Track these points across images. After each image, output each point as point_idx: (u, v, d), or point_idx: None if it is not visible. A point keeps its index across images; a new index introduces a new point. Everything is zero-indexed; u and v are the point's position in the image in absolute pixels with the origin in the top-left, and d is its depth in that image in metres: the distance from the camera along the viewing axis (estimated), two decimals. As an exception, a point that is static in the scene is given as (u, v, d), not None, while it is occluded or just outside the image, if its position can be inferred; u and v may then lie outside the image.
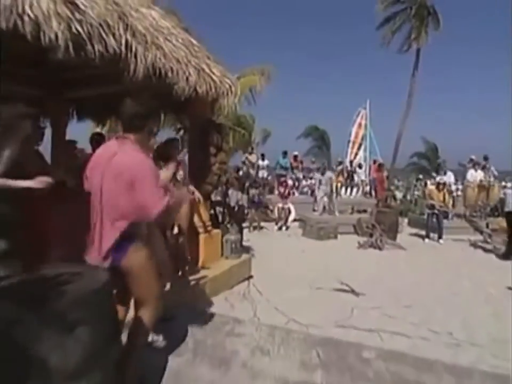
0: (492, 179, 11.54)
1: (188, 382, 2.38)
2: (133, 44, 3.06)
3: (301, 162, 16.50)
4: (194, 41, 4.52)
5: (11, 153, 2.60)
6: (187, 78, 3.62)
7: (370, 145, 20.28)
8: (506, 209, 7.71)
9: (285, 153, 14.89)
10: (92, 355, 1.56)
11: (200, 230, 4.64)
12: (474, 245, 9.01)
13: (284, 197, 11.32)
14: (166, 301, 3.14)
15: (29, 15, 2.13)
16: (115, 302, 1.95)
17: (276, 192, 13.03)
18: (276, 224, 10.90)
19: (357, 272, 6.07)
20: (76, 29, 2.44)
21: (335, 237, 9.49)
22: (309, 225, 9.90)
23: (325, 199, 11.53)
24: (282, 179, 12.73)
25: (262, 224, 10.64)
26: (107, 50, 2.75)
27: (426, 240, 9.54)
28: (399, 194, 16.58)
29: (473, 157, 12.88)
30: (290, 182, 14.06)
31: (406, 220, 12.21)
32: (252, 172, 13.19)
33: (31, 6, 2.16)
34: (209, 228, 4.80)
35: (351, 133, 19.90)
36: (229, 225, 5.61)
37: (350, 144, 19.80)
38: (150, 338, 2.73)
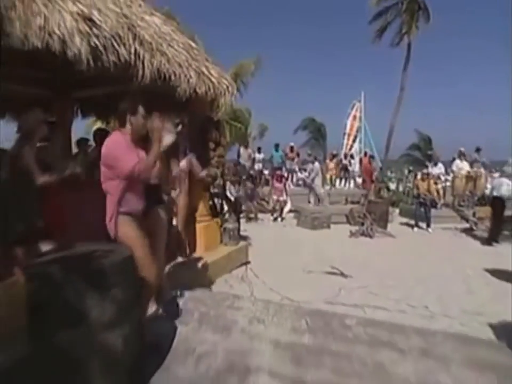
0: (482, 169, 11.99)
1: (195, 345, 2.80)
2: (141, 52, 3.43)
3: (297, 154, 16.70)
4: (193, 45, 4.90)
5: (31, 154, 3.02)
6: (188, 81, 4.00)
7: (365, 137, 20.67)
8: (492, 195, 8.11)
9: (277, 146, 14.97)
10: (122, 311, 1.98)
11: (201, 219, 5.05)
12: (461, 232, 9.50)
13: (279, 190, 11.70)
14: (174, 281, 3.59)
15: (57, 34, 2.51)
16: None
17: (271, 184, 13.39)
18: (272, 215, 11.33)
19: (347, 258, 6.50)
20: (94, 42, 2.82)
21: (328, 227, 9.93)
22: (304, 215, 10.33)
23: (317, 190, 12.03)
24: (278, 172, 13.05)
25: (259, 215, 11.06)
26: (119, 59, 3.13)
27: (416, 228, 9.99)
28: (392, 186, 17.05)
29: (462, 149, 13.37)
30: (285, 175, 14.52)
31: (397, 210, 12.69)
32: (247, 165, 13.47)
33: (59, 26, 2.54)
34: (209, 217, 5.22)
35: (346, 125, 20.26)
36: (227, 215, 6.01)
37: (346, 137, 20.18)
38: (159, 311, 3.16)
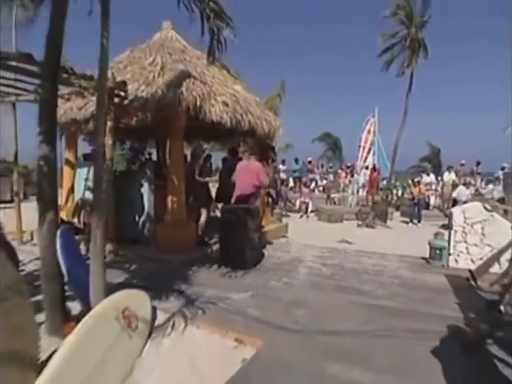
0: (482, 183, 15.28)
1: (274, 255, 6.02)
2: (242, 114, 6.68)
3: (322, 166, 19.98)
4: (257, 99, 8.20)
5: (197, 166, 6.35)
6: (262, 126, 7.25)
7: (378, 150, 23.51)
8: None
9: (296, 160, 18.53)
10: (257, 226, 5.25)
11: (263, 206, 8.30)
12: (442, 226, 12.47)
13: (305, 194, 14.93)
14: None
15: (218, 114, 5.80)
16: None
17: (299, 190, 16.63)
18: (298, 213, 14.49)
19: (352, 237, 9.64)
20: (229, 115, 6.10)
21: (341, 221, 13.07)
22: (322, 213, 13.52)
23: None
24: (304, 179, 16.36)
25: (288, 213, 14.24)
26: (235, 120, 6.40)
27: (410, 224, 13.04)
28: (399, 192, 20.02)
29: (463, 161, 16.60)
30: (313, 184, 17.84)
31: (399, 212, 15.69)
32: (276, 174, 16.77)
33: (218, 110, 5.84)
34: (266, 205, 8.47)
35: (361, 138, 23.10)
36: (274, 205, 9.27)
37: (360, 149, 23.01)
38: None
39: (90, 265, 3.03)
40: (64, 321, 3.12)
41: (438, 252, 5.46)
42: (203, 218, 6.22)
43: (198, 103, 5.57)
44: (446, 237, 5.64)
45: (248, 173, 5.79)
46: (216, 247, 6.02)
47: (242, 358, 2.91)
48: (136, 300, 3.35)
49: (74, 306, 3.40)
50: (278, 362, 2.81)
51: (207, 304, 3.86)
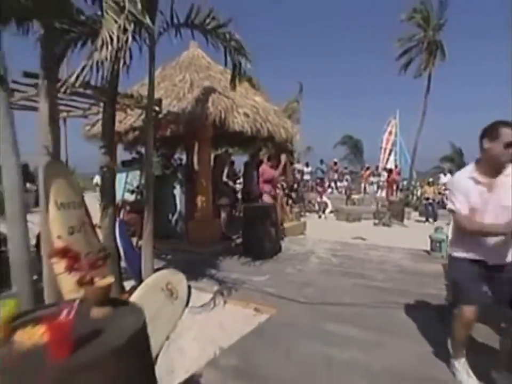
0: None
1: (290, 247, 6.77)
2: (261, 123, 7.49)
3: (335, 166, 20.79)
4: (276, 108, 8.99)
5: (224, 169, 7.19)
6: (280, 133, 8.03)
7: (400, 150, 23.83)
8: None
9: (321, 161, 19.22)
10: (274, 222, 6.03)
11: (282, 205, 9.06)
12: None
13: (320, 193, 15.60)
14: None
15: (239, 123, 6.61)
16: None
17: (315, 190, 17.30)
18: (317, 213, 15.15)
19: (367, 234, 10.24)
20: (250, 125, 6.90)
21: (359, 220, 13.63)
22: (341, 212, 14.13)
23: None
24: (319, 181, 17.04)
25: (307, 214, 14.92)
26: (255, 128, 7.20)
27: (426, 223, 13.46)
28: (418, 193, 20.34)
29: None
30: (327, 183, 18.42)
31: (417, 212, 16.08)
32: (298, 176, 17.50)
33: (239, 120, 6.65)
34: (285, 205, 9.22)
35: (383, 140, 23.55)
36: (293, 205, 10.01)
37: (382, 151, 23.46)
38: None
39: (142, 248, 3.89)
40: (121, 294, 4.00)
41: (438, 244, 6.08)
42: (223, 216, 7.03)
43: (223, 115, 6.41)
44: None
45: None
46: (238, 241, 6.84)
47: (259, 321, 3.70)
48: (176, 277, 4.20)
49: (125, 285, 4.29)
50: (287, 323, 3.58)
51: (233, 285, 4.67)
